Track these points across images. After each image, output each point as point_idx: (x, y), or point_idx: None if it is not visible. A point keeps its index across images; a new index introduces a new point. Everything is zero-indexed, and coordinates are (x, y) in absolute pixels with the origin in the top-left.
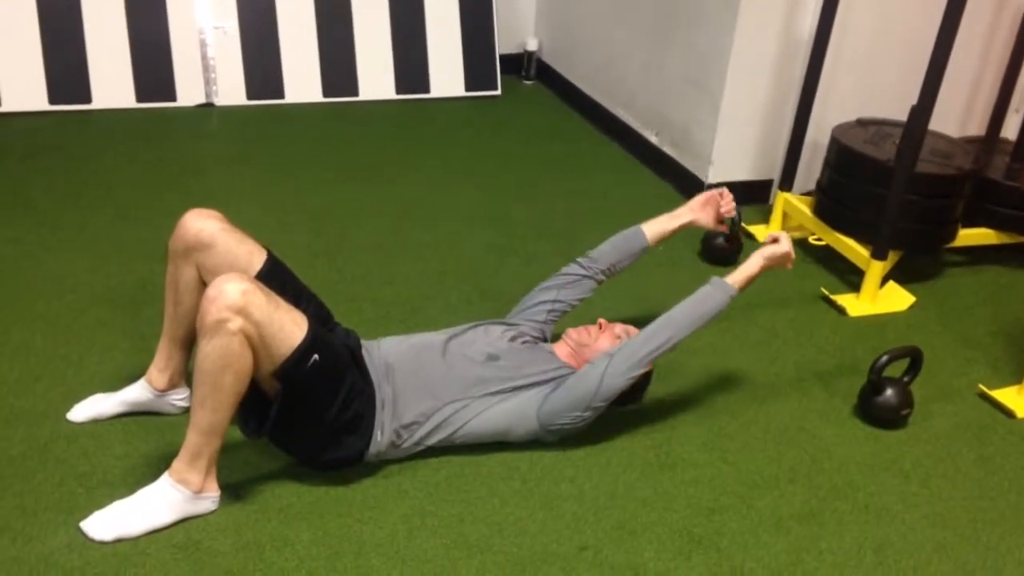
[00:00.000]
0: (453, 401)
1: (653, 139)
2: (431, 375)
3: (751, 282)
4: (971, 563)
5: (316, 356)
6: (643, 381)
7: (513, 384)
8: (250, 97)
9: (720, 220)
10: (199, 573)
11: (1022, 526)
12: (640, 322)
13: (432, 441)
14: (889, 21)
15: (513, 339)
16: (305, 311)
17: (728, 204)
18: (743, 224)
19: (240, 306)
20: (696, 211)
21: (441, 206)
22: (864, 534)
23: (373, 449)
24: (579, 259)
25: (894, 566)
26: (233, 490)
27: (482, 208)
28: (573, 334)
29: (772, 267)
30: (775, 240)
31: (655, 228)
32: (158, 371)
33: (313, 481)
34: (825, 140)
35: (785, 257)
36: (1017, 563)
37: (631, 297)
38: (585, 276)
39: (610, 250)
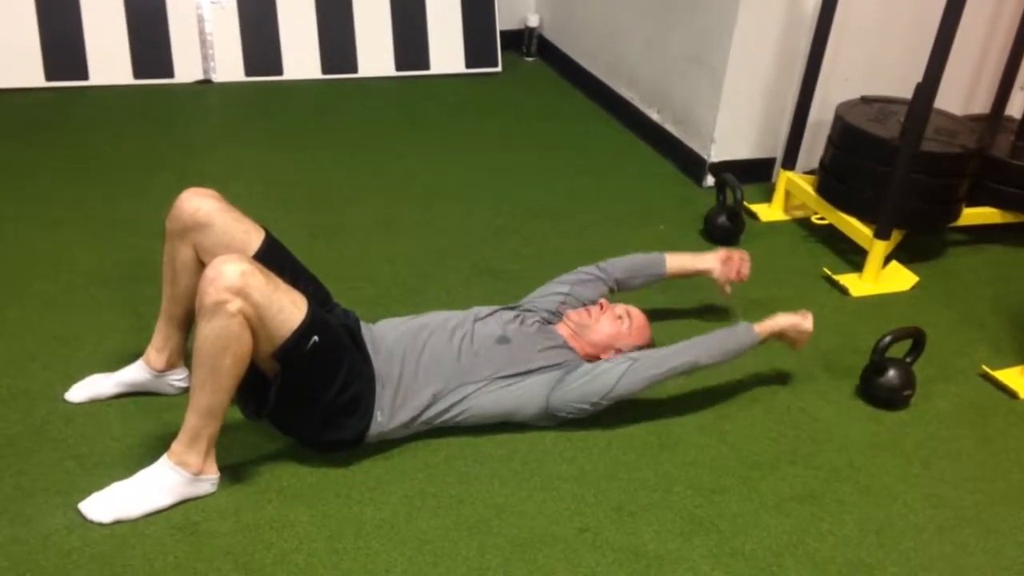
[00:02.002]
0: (464, 384)
1: (655, 117)
2: (441, 357)
3: (770, 338)
4: (972, 544)
5: (316, 338)
6: None
7: (523, 368)
8: (248, 73)
9: (730, 281)
10: (198, 554)
11: (1023, 507)
12: (642, 300)
13: (439, 421)
14: None
15: (523, 322)
16: (304, 292)
17: (745, 270)
18: (745, 203)
19: (239, 287)
20: (717, 263)
21: (441, 184)
22: (865, 515)
23: (374, 430)
24: (598, 263)
25: (895, 547)
26: (232, 471)
27: (482, 186)
28: (574, 315)
29: (790, 336)
30: (804, 316)
31: (676, 262)
32: (156, 351)
33: (313, 462)
34: (828, 118)
35: (805, 334)
36: (1018, 544)
37: None
38: (599, 278)
39: (628, 264)
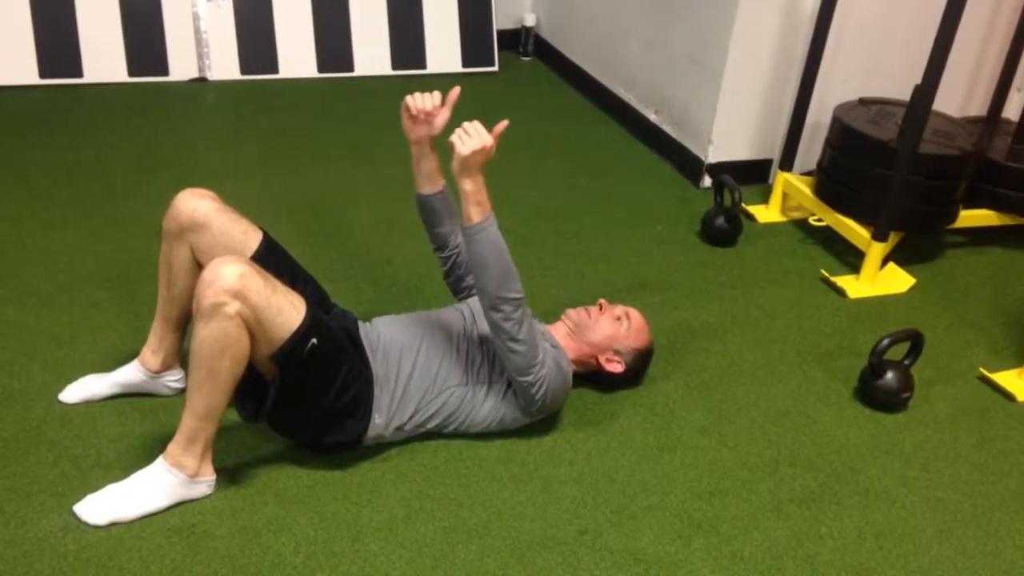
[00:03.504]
0: (454, 386)
1: (652, 117)
2: (435, 359)
3: (481, 196)
4: (971, 547)
5: (314, 340)
6: (641, 363)
7: (498, 367)
8: (244, 72)
9: (429, 119)
10: (195, 557)
11: (1022, 510)
12: (640, 302)
13: (432, 425)
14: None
15: None
16: (302, 293)
17: (418, 105)
18: (743, 204)
19: (237, 289)
20: (416, 139)
21: None
22: (864, 518)
23: (372, 432)
24: (436, 253)
25: (894, 550)
26: (229, 473)
27: None
28: (573, 315)
29: (481, 166)
30: (452, 147)
31: (422, 181)
32: (151, 352)
33: (311, 464)
34: (826, 120)
35: (478, 154)
36: (1018, 548)
37: (632, 278)
38: (456, 256)
39: (436, 229)
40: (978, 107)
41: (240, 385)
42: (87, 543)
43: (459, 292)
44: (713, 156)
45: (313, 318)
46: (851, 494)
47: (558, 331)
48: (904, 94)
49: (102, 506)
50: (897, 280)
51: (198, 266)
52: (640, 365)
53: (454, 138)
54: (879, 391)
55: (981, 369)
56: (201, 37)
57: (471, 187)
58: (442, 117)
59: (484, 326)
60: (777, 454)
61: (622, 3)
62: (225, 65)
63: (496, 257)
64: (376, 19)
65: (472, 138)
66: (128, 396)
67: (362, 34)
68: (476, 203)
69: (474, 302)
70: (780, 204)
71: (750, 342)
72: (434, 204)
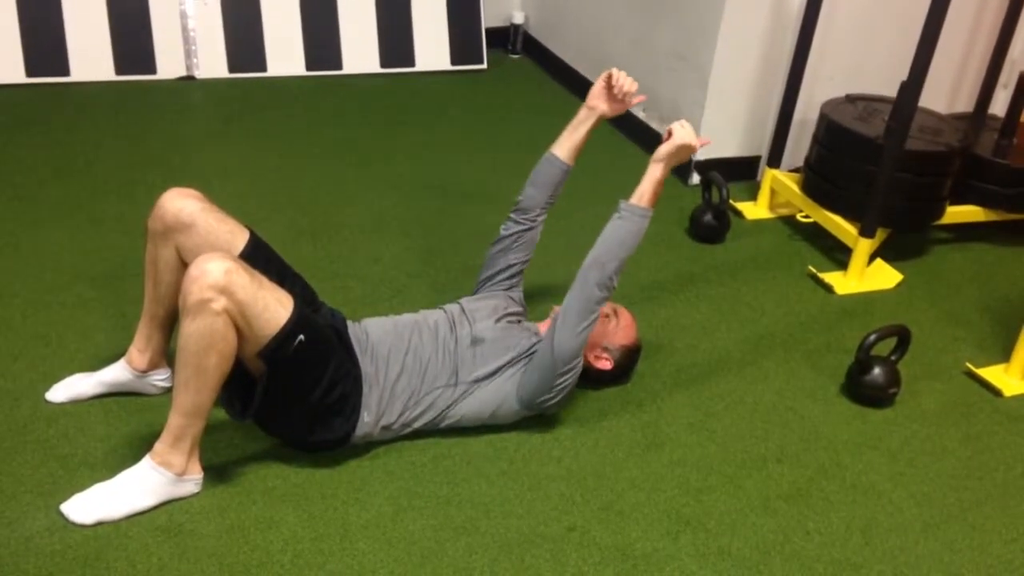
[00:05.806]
0: (442, 386)
1: (641, 115)
2: (423, 359)
3: (660, 190)
4: (958, 542)
5: (302, 336)
6: (630, 361)
7: (494, 368)
8: (232, 70)
9: (621, 99)
10: (182, 556)
11: (1008, 505)
12: (628, 299)
13: (420, 424)
14: None
15: (498, 320)
16: (290, 291)
17: (620, 82)
18: (731, 201)
19: (223, 286)
20: (595, 106)
21: (427, 182)
22: (851, 513)
23: (360, 431)
24: (512, 214)
25: (881, 545)
26: (217, 472)
27: (468, 184)
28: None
29: (677, 164)
30: (670, 134)
31: (566, 146)
32: (138, 351)
33: (298, 462)
34: (814, 116)
35: (686, 149)
36: (1003, 542)
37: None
38: (525, 229)
39: (535, 191)
40: (964, 103)
41: (228, 383)
42: (74, 542)
43: (490, 267)
44: (701, 153)
45: (300, 315)
46: (838, 489)
47: (546, 328)
48: (891, 91)
49: (89, 505)
50: (884, 276)
51: (184, 265)
52: (628, 362)
53: (676, 126)
54: (866, 387)
55: (967, 364)
56: (189, 35)
57: (661, 175)
58: (627, 104)
59: (464, 328)
60: (764, 450)
61: (610, 1)
62: (213, 63)
63: (634, 244)
64: (364, 17)
65: (689, 132)
66: (115, 395)
67: (350, 32)
68: (654, 192)
69: (466, 303)
70: (768, 201)
71: (738, 339)
72: (555, 171)
